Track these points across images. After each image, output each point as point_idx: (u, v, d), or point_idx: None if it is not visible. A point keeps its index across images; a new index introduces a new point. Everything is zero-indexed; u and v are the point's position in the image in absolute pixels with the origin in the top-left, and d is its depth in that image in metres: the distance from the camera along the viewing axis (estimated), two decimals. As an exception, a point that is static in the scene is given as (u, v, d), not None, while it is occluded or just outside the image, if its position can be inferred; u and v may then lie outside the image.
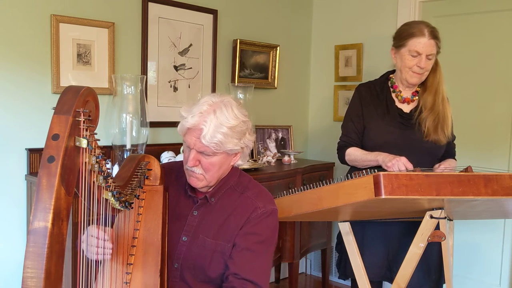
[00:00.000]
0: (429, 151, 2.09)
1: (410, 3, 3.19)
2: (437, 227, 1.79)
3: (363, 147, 2.19)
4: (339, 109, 3.60)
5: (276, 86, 3.50)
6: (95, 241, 1.35)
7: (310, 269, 3.83)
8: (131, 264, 1.41)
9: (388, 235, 2.14)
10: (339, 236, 2.23)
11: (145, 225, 1.46)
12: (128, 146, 2.43)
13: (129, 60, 2.68)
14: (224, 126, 1.42)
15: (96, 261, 1.38)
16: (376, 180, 1.58)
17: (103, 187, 1.21)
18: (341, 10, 3.60)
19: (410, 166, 1.90)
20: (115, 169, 2.31)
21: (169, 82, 2.89)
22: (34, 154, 2.33)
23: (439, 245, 1.95)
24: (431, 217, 1.75)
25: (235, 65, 3.20)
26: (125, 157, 2.40)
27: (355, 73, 3.50)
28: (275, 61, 3.44)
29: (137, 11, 2.69)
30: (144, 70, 2.73)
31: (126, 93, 2.50)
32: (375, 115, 2.16)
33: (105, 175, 1.20)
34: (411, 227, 2.01)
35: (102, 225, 1.34)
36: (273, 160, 3.10)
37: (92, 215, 1.27)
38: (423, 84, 2.16)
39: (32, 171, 2.33)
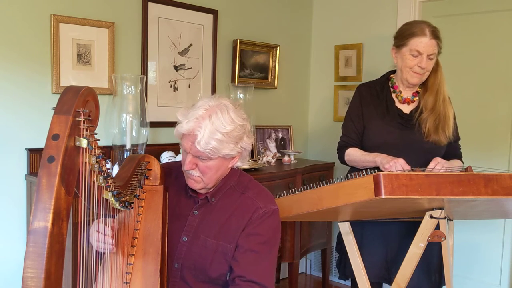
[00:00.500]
0: (429, 151, 2.07)
1: (410, 3, 3.19)
2: (437, 227, 1.79)
3: (363, 147, 2.18)
4: (339, 109, 3.60)
5: (276, 86, 3.50)
6: (101, 237, 1.36)
7: (310, 269, 3.83)
8: (131, 264, 1.41)
9: (387, 236, 2.13)
10: (339, 236, 2.23)
11: (145, 225, 1.46)
12: (128, 146, 2.43)
13: (129, 60, 2.68)
14: (218, 132, 1.41)
15: (96, 261, 1.38)
16: (376, 180, 1.58)
17: (103, 187, 1.22)
18: (341, 10, 3.60)
19: (407, 167, 1.89)
20: (115, 169, 2.32)
21: (169, 82, 2.89)
22: (34, 154, 2.33)
23: (439, 245, 1.95)
24: (431, 217, 1.75)
25: (235, 65, 3.20)
26: (125, 157, 2.40)
27: (355, 73, 3.50)
28: (275, 61, 3.44)
29: (137, 11, 2.69)
30: (144, 70, 2.73)
31: (126, 93, 2.50)
32: (375, 115, 2.16)
33: (105, 175, 1.20)
34: (410, 227, 2.01)
35: (102, 217, 1.34)
36: (273, 160, 3.10)
37: (92, 215, 1.27)
38: (424, 85, 2.15)
39: (32, 171, 2.33)
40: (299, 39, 3.69)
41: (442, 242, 1.86)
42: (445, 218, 1.77)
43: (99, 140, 1.15)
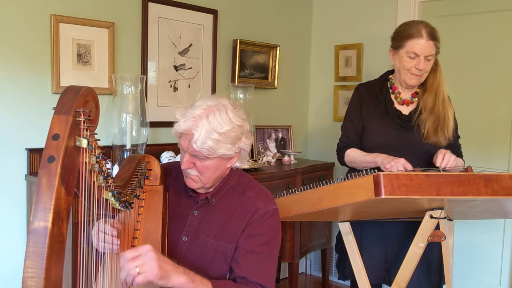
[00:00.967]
0: (428, 152, 2.04)
1: (410, 3, 3.19)
2: (437, 227, 1.79)
3: (362, 148, 2.17)
4: (339, 109, 3.60)
5: (276, 86, 3.50)
6: (108, 238, 1.37)
7: (310, 269, 3.83)
8: (131, 264, 1.41)
9: (386, 237, 2.13)
10: (339, 236, 2.23)
11: (145, 225, 1.46)
12: (128, 146, 2.43)
13: (129, 60, 2.68)
14: (215, 132, 1.40)
15: (96, 261, 1.38)
16: (376, 180, 1.58)
17: (103, 187, 1.22)
18: (341, 10, 3.60)
19: (409, 167, 1.88)
20: (115, 169, 2.32)
21: (169, 82, 2.89)
22: (34, 154, 2.33)
23: (439, 246, 1.95)
24: (431, 217, 1.76)
25: (235, 65, 3.20)
26: (125, 157, 2.40)
27: (355, 73, 3.50)
28: (275, 61, 3.44)
29: (137, 11, 2.70)
30: (144, 70, 2.74)
31: (126, 93, 2.50)
32: (374, 115, 2.15)
33: (105, 175, 1.20)
34: (410, 227, 2.00)
35: (103, 217, 1.35)
36: (273, 160, 3.10)
37: (92, 215, 1.27)
38: (423, 85, 2.13)
39: (32, 171, 2.33)
40: (299, 39, 3.69)
41: (442, 242, 1.86)
42: (445, 218, 1.77)
43: (99, 140, 1.15)
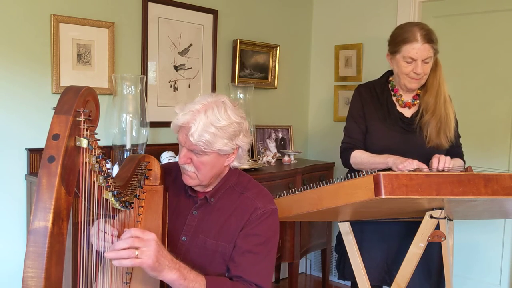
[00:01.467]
0: (431, 155, 2.00)
1: (410, 3, 3.19)
2: (437, 227, 1.79)
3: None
4: (339, 109, 3.60)
5: (276, 86, 3.50)
6: (108, 237, 1.36)
7: (310, 269, 3.83)
8: (131, 264, 1.41)
9: (387, 239, 2.12)
10: (338, 237, 2.22)
11: (145, 225, 1.46)
12: (128, 146, 2.43)
13: (129, 60, 2.68)
14: (212, 125, 1.41)
15: (96, 261, 1.38)
16: (376, 180, 1.58)
17: (103, 187, 1.22)
18: (341, 10, 3.60)
19: (424, 167, 1.84)
20: (115, 169, 2.32)
21: (169, 82, 2.89)
22: (34, 154, 2.33)
23: (439, 247, 1.94)
24: (431, 217, 1.75)
25: (235, 65, 3.20)
26: (125, 157, 2.40)
27: (355, 73, 3.50)
28: (275, 61, 3.44)
29: (137, 11, 2.70)
30: (144, 70, 2.74)
31: (126, 93, 2.50)
32: (376, 117, 2.12)
33: (105, 175, 1.20)
34: (410, 227, 2.00)
35: (103, 217, 1.35)
36: (273, 160, 3.10)
37: (92, 215, 1.27)
38: (423, 86, 2.11)
39: (32, 171, 2.33)
40: (299, 39, 3.69)
41: (442, 242, 1.86)
42: (445, 218, 1.77)
43: (99, 140, 1.15)
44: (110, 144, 2.47)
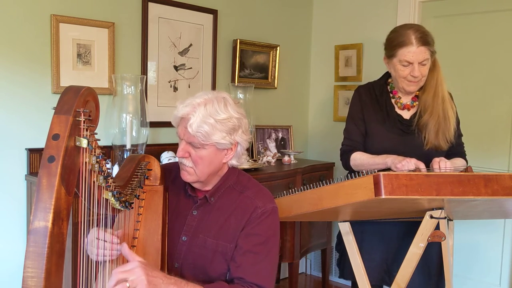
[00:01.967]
0: (430, 156, 2.01)
1: (410, 3, 3.19)
2: (437, 227, 1.79)
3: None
4: (339, 109, 3.60)
5: (276, 86, 3.50)
6: (108, 245, 1.35)
7: (310, 269, 3.83)
8: (131, 264, 1.40)
9: (387, 239, 2.12)
10: (339, 236, 2.22)
11: (145, 225, 1.46)
12: (128, 146, 2.43)
13: (129, 60, 2.69)
14: (212, 117, 1.43)
15: (96, 261, 1.38)
16: (376, 180, 1.58)
17: (103, 187, 1.22)
18: (341, 10, 3.60)
19: (421, 165, 1.85)
20: (115, 169, 2.32)
21: (169, 82, 2.89)
22: (34, 154, 2.33)
23: (439, 247, 1.94)
24: (431, 217, 1.75)
25: (235, 65, 3.20)
26: (125, 157, 2.40)
27: (355, 73, 3.50)
28: (275, 61, 3.44)
29: (137, 11, 2.70)
30: (144, 70, 2.74)
31: (126, 93, 2.50)
32: (375, 119, 2.12)
33: (105, 175, 1.20)
34: (410, 227, 2.00)
35: (102, 225, 1.34)
36: (273, 160, 3.10)
37: (92, 215, 1.27)
38: (422, 86, 2.11)
39: (32, 171, 2.33)
40: (299, 39, 3.69)
41: (442, 242, 1.86)
42: (445, 218, 1.77)
43: (99, 140, 1.15)
44: (110, 144, 2.47)
